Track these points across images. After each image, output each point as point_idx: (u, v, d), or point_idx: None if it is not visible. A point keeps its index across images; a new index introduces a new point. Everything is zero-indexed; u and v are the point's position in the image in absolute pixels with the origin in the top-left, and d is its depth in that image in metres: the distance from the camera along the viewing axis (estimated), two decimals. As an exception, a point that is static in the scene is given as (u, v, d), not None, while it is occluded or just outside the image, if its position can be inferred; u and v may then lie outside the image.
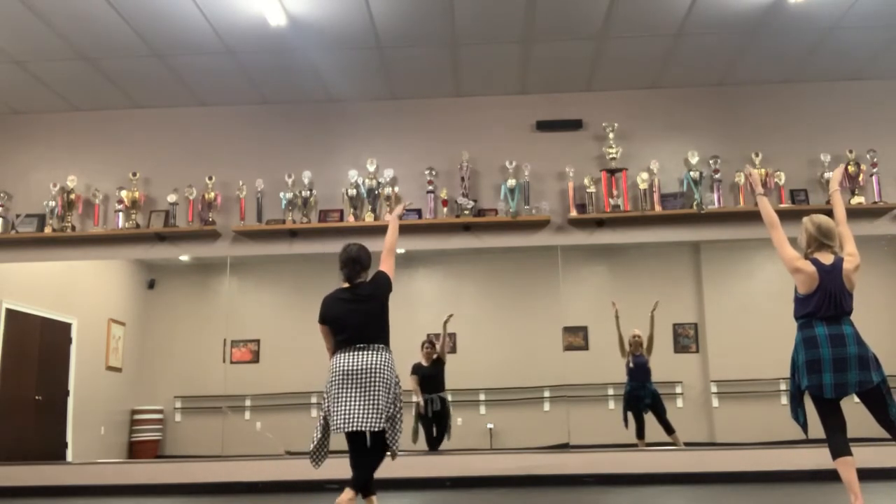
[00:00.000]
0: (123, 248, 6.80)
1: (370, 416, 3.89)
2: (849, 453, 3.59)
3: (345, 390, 3.92)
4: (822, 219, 3.90)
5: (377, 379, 3.93)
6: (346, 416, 3.89)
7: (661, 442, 6.59)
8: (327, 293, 4.21)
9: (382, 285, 4.17)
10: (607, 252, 7.19)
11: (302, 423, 7.25)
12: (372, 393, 3.91)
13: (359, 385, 3.91)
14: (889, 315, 6.60)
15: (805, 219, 3.95)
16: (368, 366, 3.93)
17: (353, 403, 3.90)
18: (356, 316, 4.04)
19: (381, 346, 4.03)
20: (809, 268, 3.75)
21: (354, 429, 3.90)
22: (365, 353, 3.97)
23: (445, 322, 6.87)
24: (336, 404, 3.93)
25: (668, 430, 6.64)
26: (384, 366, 3.98)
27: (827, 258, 3.78)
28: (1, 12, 5.40)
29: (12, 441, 6.59)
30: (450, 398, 6.80)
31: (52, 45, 5.88)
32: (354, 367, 3.93)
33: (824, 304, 3.71)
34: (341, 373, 3.94)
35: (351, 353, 3.97)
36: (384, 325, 4.12)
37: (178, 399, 7.56)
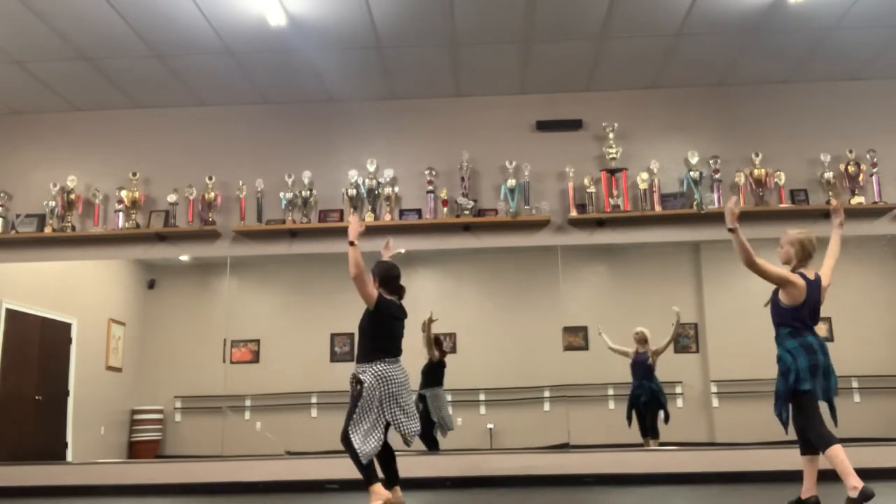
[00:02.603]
0: (123, 248, 6.80)
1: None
2: (838, 440, 3.84)
3: (405, 399, 4.37)
4: (812, 236, 4.20)
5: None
6: (414, 424, 4.40)
7: (665, 442, 6.59)
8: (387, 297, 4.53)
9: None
10: (607, 252, 7.19)
11: (302, 423, 7.27)
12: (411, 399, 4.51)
13: (408, 395, 4.44)
14: (889, 315, 6.60)
15: (796, 232, 4.20)
16: (406, 376, 4.48)
17: (413, 411, 4.43)
18: (401, 333, 4.56)
19: None
20: (801, 281, 4.01)
21: (414, 434, 4.41)
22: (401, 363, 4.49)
23: (428, 322, 6.76)
24: (405, 413, 4.36)
25: (649, 431, 6.63)
26: None
27: (810, 273, 4.10)
28: (1, 12, 5.40)
29: (12, 441, 6.59)
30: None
31: (52, 45, 5.88)
32: (404, 380, 4.42)
33: (809, 315, 4.02)
34: (398, 384, 4.34)
35: (399, 366, 4.43)
36: None
37: (178, 399, 7.55)
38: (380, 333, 4.40)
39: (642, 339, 6.86)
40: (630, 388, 6.87)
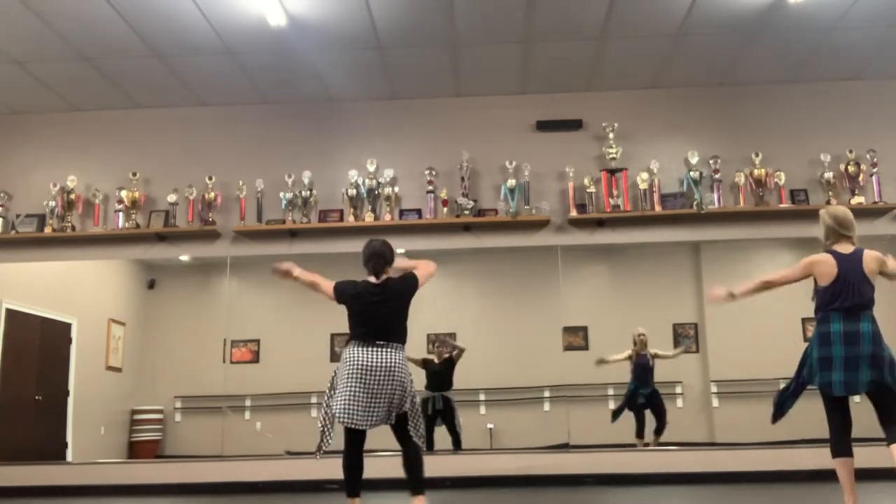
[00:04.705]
0: (123, 248, 6.79)
1: (379, 413, 3.94)
2: (850, 454, 3.60)
3: (357, 384, 3.90)
4: (840, 209, 3.87)
5: (394, 377, 3.94)
6: (353, 411, 3.90)
7: (664, 442, 6.59)
8: (355, 279, 4.18)
9: (411, 286, 4.18)
10: (607, 252, 7.19)
11: (302, 423, 7.25)
12: (387, 391, 3.93)
13: (373, 381, 3.91)
14: (890, 314, 6.59)
15: (822, 211, 3.92)
16: (385, 364, 3.94)
17: (363, 400, 3.90)
18: (381, 313, 4.05)
19: (398, 344, 4.05)
20: (824, 256, 3.73)
21: (357, 426, 3.93)
22: (384, 350, 3.97)
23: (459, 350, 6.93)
24: (346, 396, 3.91)
25: (658, 431, 6.64)
26: (401, 364, 4.00)
27: (846, 248, 3.75)
28: (1, 12, 5.40)
29: (12, 441, 6.59)
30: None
31: (52, 45, 5.88)
32: (371, 364, 3.93)
33: (842, 293, 3.65)
34: (358, 367, 3.91)
35: (368, 349, 3.96)
36: (405, 324, 4.15)
37: (178, 399, 7.55)
38: (351, 317, 4.13)
39: (643, 342, 6.86)
40: (627, 388, 6.87)
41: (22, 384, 6.82)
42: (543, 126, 6.83)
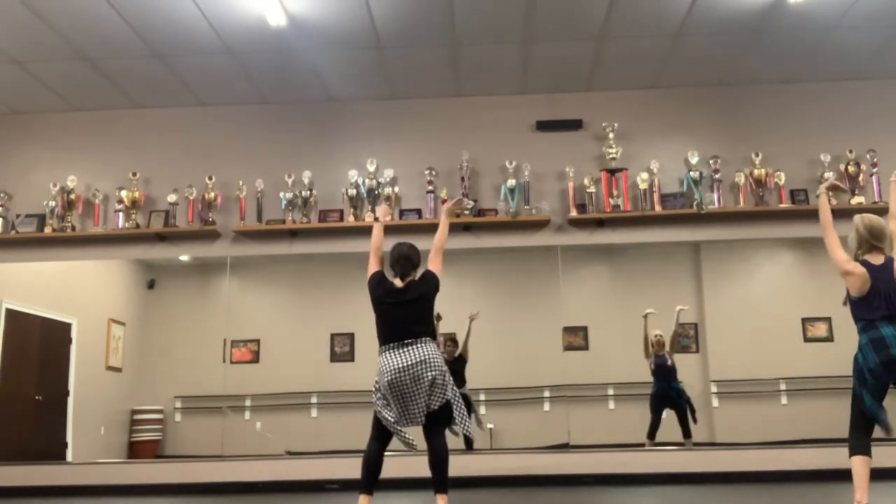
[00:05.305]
0: (123, 248, 6.80)
1: (421, 407, 4.02)
2: (870, 453, 3.67)
3: (400, 391, 3.99)
4: (874, 220, 3.87)
5: (430, 366, 4.01)
6: (406, 416, 4.03)
7: (665, 442, 6.58)
8: (381, 274, 4.27)
9: (432, 286, 4.24)
10: (607, 252, 7.19)
11: (302, 423, 7.27)
12: (426, 381, 3.99)
13: (409, 379, 3.98)
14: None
15: (857, 218, 3.92)
16: (418, 358, 4.01)
17: (409, 404, 4.01)
18: (401, 314, 4.12)
19: (427, 338, 4.11)
20: (859, 269, 3.73)
21: (410, 425, 4.06)
22: (413, 347, 4.04)
23: (471, 319, 6.87)
24: (397, 409, 4.01)
25: (686, 434, 6.61)
26: (434, 354, 4.07)
27: (877, 259, 3.78)
28: (1, 12, 5.41)
29: (12, 441, 6.59)
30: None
31: (52, 45, 5.88)
32: (405, 364, 3.99)
33: (878, 306, 3.68)
34: (394, 373, 3.98)
35: (398, 352, 4.04)
36: (429, 321, 4.21)
37: (178, 399, 7.55)
38: (377, 320, 4.19)
39: (661, 343, 6.84)
40: (654, 389, 6.80)
41: (22, 384, 6.82)
42: (543, 126, 6.83)
